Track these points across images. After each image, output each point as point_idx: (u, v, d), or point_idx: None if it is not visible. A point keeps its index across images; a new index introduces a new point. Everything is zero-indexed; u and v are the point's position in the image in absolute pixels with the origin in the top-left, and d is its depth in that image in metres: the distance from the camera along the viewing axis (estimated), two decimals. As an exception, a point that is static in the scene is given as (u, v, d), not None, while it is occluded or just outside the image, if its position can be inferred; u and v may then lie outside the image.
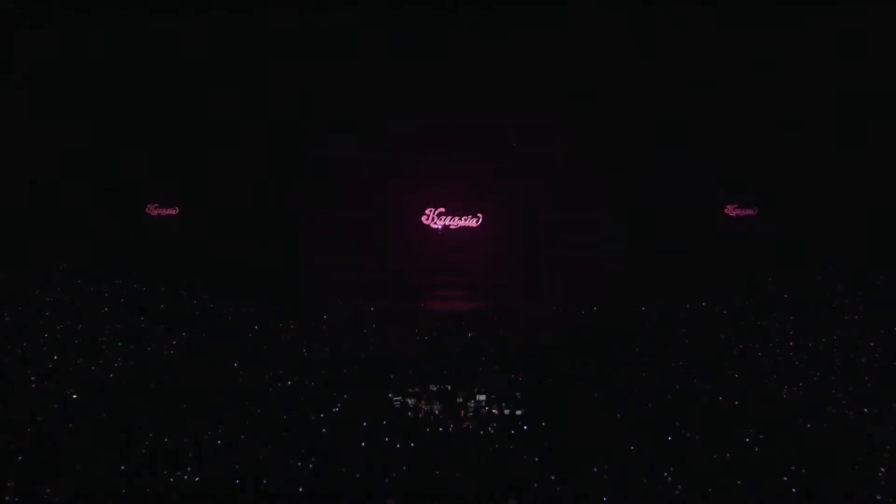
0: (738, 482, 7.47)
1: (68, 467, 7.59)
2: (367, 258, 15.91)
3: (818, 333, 11.26)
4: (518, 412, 9.48)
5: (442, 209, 16.37)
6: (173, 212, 16.68)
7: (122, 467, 7.70)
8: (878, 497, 7.18)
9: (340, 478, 7.79)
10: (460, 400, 9.82)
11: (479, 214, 16.41)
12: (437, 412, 9.58)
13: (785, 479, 7.49)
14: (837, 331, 11.25)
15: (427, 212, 16.39)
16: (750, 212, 15.88)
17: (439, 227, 16.35)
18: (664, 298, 13.32)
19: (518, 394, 9.86)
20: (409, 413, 9.60)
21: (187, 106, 15.49)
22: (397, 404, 9.79)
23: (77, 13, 13.76)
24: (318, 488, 7.62)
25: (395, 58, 14.59)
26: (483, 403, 9.74)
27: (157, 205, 16.65)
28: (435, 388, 10.12)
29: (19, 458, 7.66)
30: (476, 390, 9.92)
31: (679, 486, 7.46)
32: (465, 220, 16.42)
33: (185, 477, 7.66)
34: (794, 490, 7.33)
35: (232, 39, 14.58)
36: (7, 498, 7.11)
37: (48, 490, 7.16)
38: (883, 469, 7.49)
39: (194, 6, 13.76)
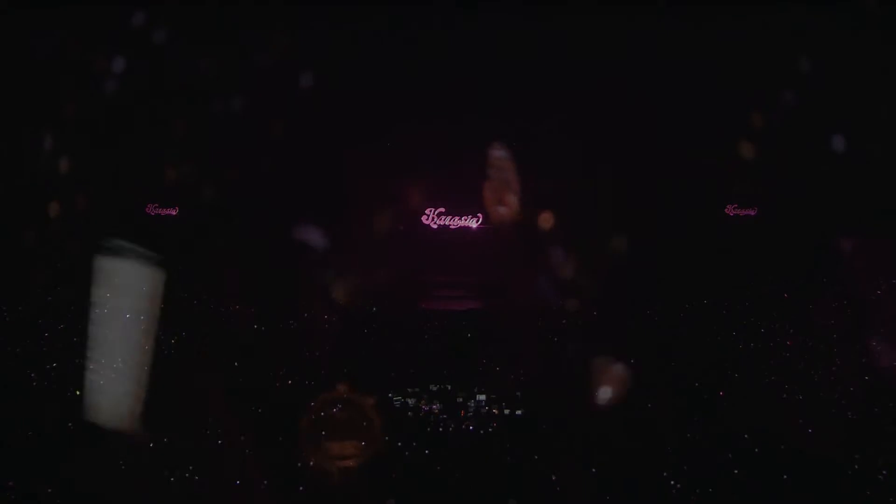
0: (738, 482, 7.47)
1: (69, 467, 7.59)
2: (367, 258, 15.91)
3: (818, 333, 11.25)
4: (518, 412, 9.48)
5: (442, 209, 16.38)
6: (173, 212, 16.68)
7: (122, 467, 7.70)
8: (878, 497, 7.18)
9: (341, 478, 7.79)
10: (460, 400, 9.82)
11: (479, 214, 16.42)
12: (437, 412, 9.59)
13: (785, 478, 7.49)
14: (837, 331, 11.25)
15: (427, 212, 16.40)
16: (750, 212, 15.88)
17: (439, 226, 16.37)
18: (664, 298, 13.32)
19: (518, 393, 9.87)
20: (410, 413, 9.60)
21: (186, 104, 15.48)
22: (397, 404, 9.79)
23: (76, 11, 13.74)
24: (319, 488, 7.62)
25: (394, 56, 14.57)
26: (483, 403, 9.74)
27: (157, 205, 16.65)
28: (435, 388, 10.13)
29: (20, 458, 7.67)
30: (476, 390, 9.93)
31: (679, 486, 7.46)
32: (465, 219, 16.43)
33: (186, 476, 7.66)
34: (793, 490, 7.33)
35: (230, 37, 14.56)
36: (8, 496, 7.11)
37: (49, 490, 7.17)
38: (884, 471, 7.49)
39: (194, 3, 13.75)
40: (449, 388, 10.13)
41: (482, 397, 9.80)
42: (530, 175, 16.18)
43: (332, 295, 14.35)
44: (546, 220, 16.27)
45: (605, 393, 9.46)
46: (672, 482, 7.53)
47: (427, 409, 9.65)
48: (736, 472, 7.64)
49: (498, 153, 15.97)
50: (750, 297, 13.14)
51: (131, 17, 14.03)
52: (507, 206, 15.91)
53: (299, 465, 7.97)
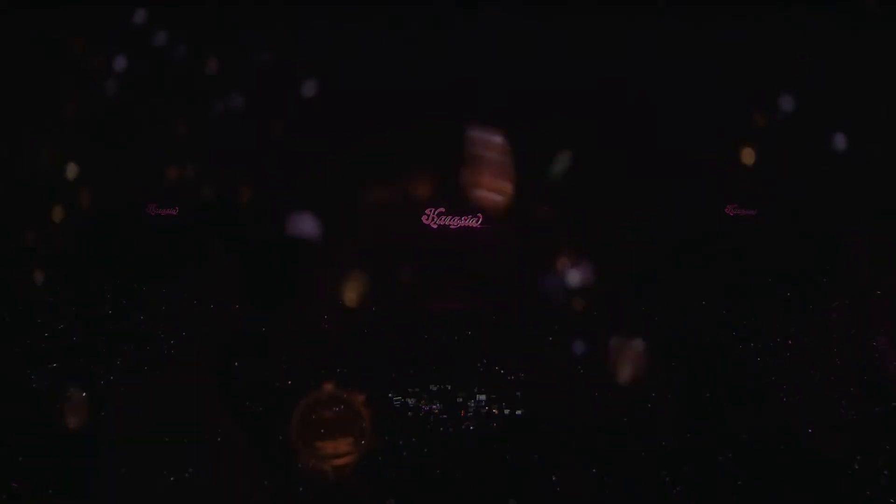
0: (738, 483, 7.48)
1: (70, 468, 7.60)
2: (366, 258, 15.91)
3: (818, 333, 11.26)
4: (518, 412, 9.49)
5: (442, 209, 16.37)
6: (173, 212, 16.67)
7: (123, 469, 7.71)
8: (878, 497, 7.19)
9: (340, 478, 7.80)
10: (460, 400, 9.82)
11: (480, 214, 16.41)
12: (437, 412, 9.59)
13: (784, 479, 7.50)
14: (837, 331, 11.26)
15: (427, 211, 16.39)
16: (750, 212, 15.87)
17: (439, 226, 16.36)
18: (664, 298, 13.32)
19: (518, 393, 9.88)
20: (410, 413, 9.61)
21: (186, 104, 15.47)
22: (397, 404, 9.80)
23: (76, 11, 13.75)
24: (318, 489, 7.62)
25: (394, 56, 14.57)
26: (483, 403, 9.75)
27: (156, 205, 16.64)
28: (435, 388, 10.13)
29: (20, 458, 7.67)
30: (476, 390, 9.93)
31: (678, 487, 7.47)
32: (465, 219, 16.42)
33: (185, 476, 7.67)
34: (793, 490, 7.33)
35: (230, 37, 14.56)
36: (8, 498, 7.12)
37: (50, 491, 7.17)
38: (884, 471, 7.49)
39: (194, 3, 13.75)
40: (449, 388, 10.13)
41: (482, 397, 9.80)
42: (530, 175, 16.22)
43: (332, 295, 14.36)
44: (545, 219, 16.29)
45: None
46: (672, 482, 7.54)
47: (427, 409, 9.65)
48: (736, 472, 7.64)
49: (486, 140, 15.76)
50: (750, 297, 13.15)
51: (131, 16, 14.05)
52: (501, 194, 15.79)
53: (299, 465, 7.97)
